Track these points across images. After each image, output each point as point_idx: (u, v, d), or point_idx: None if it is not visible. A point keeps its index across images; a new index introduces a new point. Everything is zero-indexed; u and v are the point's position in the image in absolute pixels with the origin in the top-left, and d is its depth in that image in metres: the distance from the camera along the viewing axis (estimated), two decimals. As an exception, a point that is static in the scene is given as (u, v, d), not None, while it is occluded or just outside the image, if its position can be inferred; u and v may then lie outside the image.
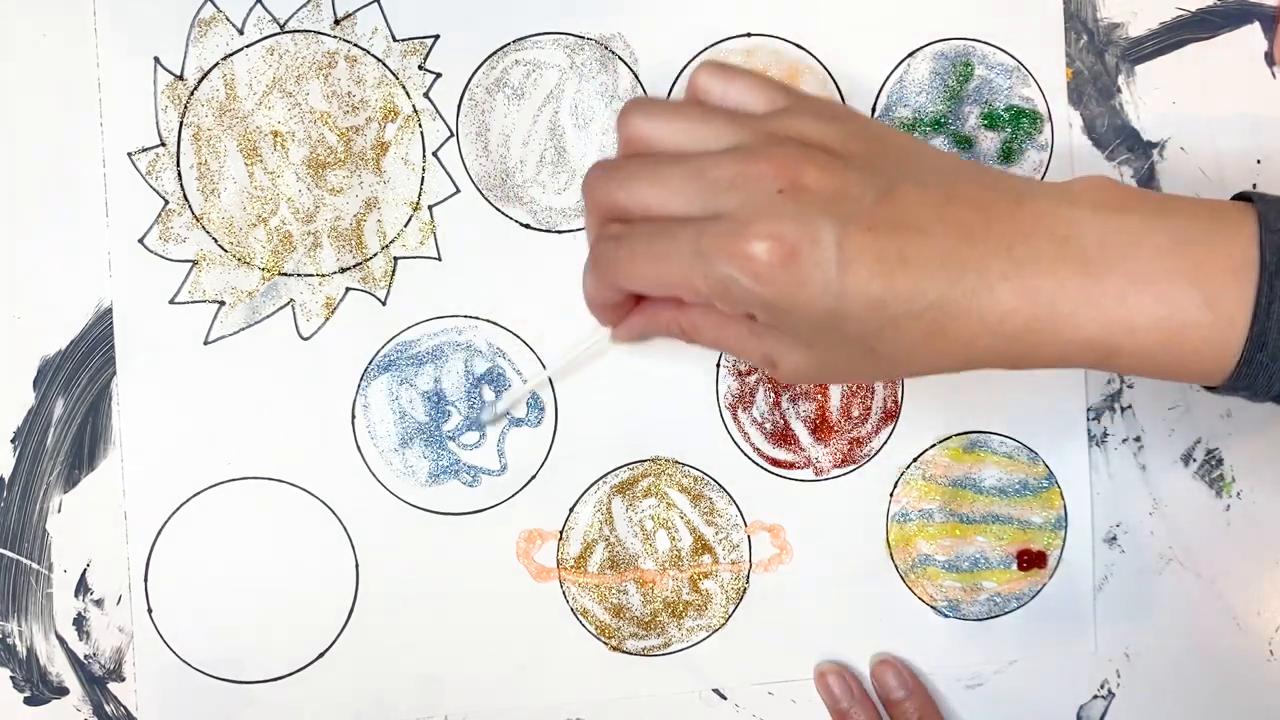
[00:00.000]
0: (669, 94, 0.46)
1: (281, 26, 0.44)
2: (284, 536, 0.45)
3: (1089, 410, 0.49)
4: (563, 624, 0.47)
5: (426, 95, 0.45)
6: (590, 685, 0.47)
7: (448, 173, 0.45)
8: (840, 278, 0.31)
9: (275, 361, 0.45)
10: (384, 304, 0.45)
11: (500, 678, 0.46)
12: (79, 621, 0.45)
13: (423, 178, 0.45)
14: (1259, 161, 0.49)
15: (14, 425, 0.44)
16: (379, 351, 0.45)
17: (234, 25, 0.44)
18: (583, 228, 0.45)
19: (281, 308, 0.45)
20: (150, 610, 0.45)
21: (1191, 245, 0.32)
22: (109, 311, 0.44)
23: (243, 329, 0.45)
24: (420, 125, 0.45)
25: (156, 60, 0.44)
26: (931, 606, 0.48)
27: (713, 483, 0.47)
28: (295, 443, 0.45)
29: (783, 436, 0.47)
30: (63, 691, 0.45)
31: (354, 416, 0.45)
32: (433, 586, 0.46)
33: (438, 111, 0.45)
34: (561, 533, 0.46)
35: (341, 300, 0.45)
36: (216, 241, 0.44)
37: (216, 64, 0.44)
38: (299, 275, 0.45)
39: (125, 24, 0.44)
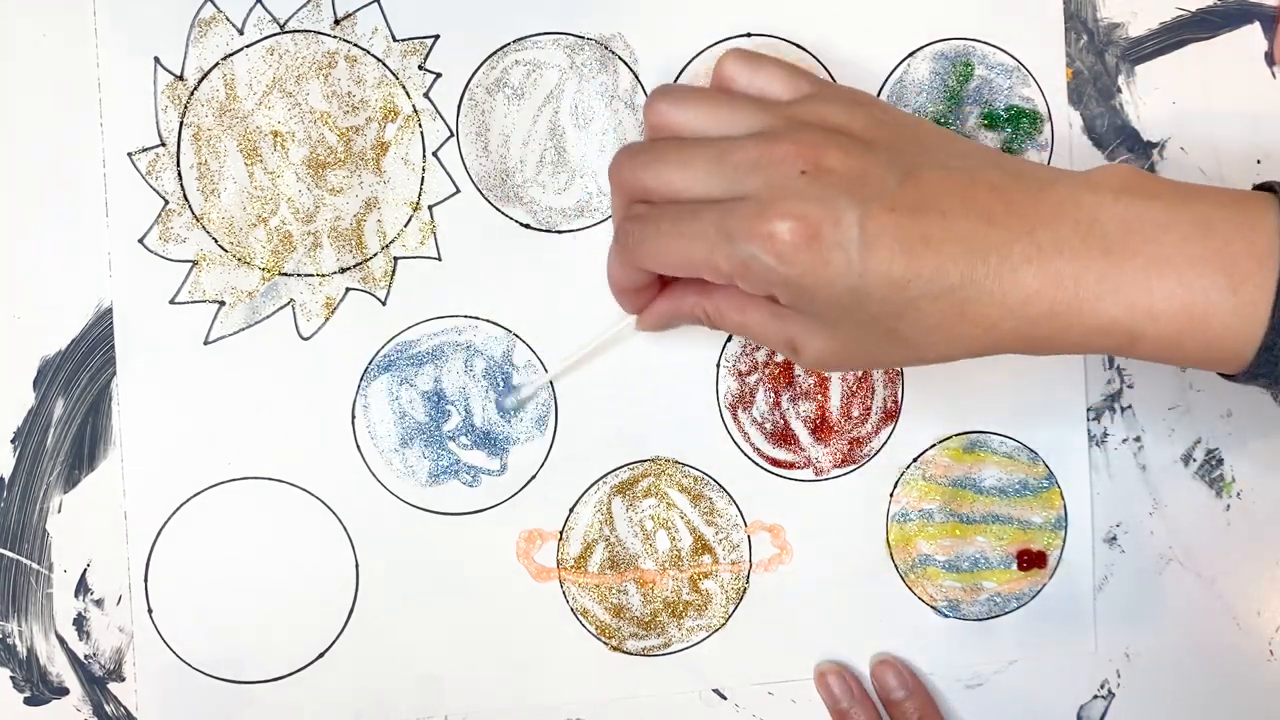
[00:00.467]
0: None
1: (281, 27, 0.44)
2: (284, 537, 0.45)
3: (1089, 410, 0.49)
4: (563, 624, 0.47)
5: (426, 95, 0.45)
6: (590, 685, 0.47)
7: (448, 173, 0.45)
8: (862, 258, 0.31)
9: (275, 361, 0.45)
10: (384, 304, 0.45)
11: (500, 678, 0.46)
12: (79, 621, 0.44)
13: (423, 178, 0.45)
14: (1259, 161, 0.49)
15: (14, 425, 0.44)
16: (379, 351, 0.45)
17: (234, 25, 0.44)
18: (583, 228, 0.45)
19: (281, 308, 0.45)
20: (150, 610, 0.45)
21: (1215, 231, 0.32)
22: (109, 311, 0.44)
23: (243, 329, 0.45)
24: (420, 125, 0.45)
25: (156, 60, 0.44)
26: (931, 606, 0.48)
27: (713, 483, 0.47)
28: (295, 443, 0.45)
29: (783, 436, 0.47)
30: (63, 691, 0.45)
31: (354, 416, 0.45)
32: (433, 586, 0.46)
33: (438, 111, 0.45)
34: (561, 533, 0.46)
35: (341, 300, 0.45)
36: (216, 241, 0.44)
37: (216, 64, 0.44)
38: (299, 275, 0.45)
39: (125, 24, 0.44)
